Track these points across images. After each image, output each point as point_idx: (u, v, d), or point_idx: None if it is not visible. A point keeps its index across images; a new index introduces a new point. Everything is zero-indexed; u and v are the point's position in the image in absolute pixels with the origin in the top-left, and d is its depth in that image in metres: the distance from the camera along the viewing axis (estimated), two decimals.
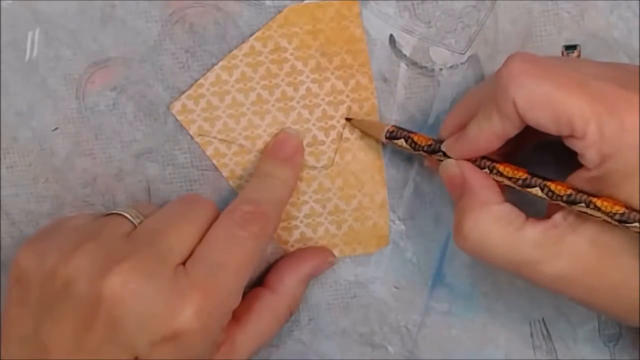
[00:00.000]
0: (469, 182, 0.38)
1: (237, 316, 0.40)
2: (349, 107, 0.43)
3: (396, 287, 0.44)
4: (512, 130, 0.36)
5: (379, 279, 0.44)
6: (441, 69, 0.43)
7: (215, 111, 0.43)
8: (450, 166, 0.39)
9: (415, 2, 0.43)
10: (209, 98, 0.43)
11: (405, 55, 0.43)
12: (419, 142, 0.40)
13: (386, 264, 0.44)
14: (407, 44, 0.43)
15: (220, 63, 0.43)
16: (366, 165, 0.43)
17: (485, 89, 0.39)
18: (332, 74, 0.43)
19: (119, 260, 0.36)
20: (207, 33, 0.43)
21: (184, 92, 0.43)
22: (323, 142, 0.43)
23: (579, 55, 0.41)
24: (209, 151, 0.43)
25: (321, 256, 0.43)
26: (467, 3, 0.43)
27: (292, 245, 0.44)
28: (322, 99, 0.43)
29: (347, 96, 0.43)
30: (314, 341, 0.44)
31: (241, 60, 0.43)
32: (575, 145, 0.35)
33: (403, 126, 0.42)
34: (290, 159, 0.42)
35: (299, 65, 0.43)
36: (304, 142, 0.43)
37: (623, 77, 0.35)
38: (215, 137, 0.43)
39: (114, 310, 0.35)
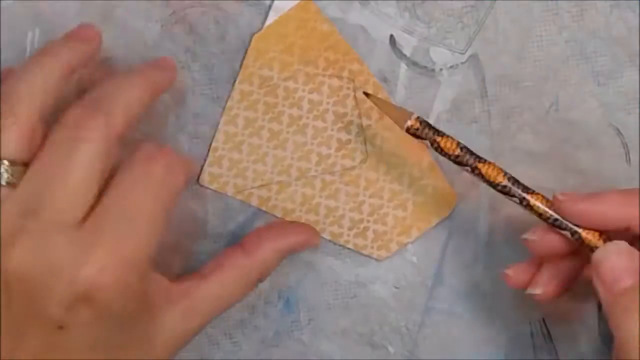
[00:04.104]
0: None
1: (204, 272, 0.39)
2: (355, 97, 0.43)
3: (396, 287, 0.44)
4: None
5: (379, 279, 0.44)
6: (441, 69, 0.43)
7: (240, 164, 0.43)
8: (622, 252, 0.35)
9: (415, 2, 0.43)
10: (228, 156, 0.43)
11: (405, 56, 0.43)
12: (446, 149, 0.39)
13: (386, 264, 0.44)
14: (407, 44, 0.43)
15: (222, 119, 0.43)
16: (398, 139, 0.43)
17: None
18: (323, 76, 0.43)
19: (10, 240, 0.34)
20: (207, 33, 0.43)
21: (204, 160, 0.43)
22: (349, 141, 0.43)
23: None
24: (254, 202, 0.43)
25: (307, 234, 0.42)
26: (467, 3, 0.43)
27: (372, 247, 0.43)
28: (328, 103, 0.43)
29: (348, 88, 0.43)
30: (314, 341, 0.44)
31: (238, 108, 0.43)
32: None
33: None
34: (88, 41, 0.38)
35: (291, 84, 0.43)
36: (332, 149, 0.43)
37: None
38: (253, 188, 0.43)
39: (20, 285, 0.34)
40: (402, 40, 0.43)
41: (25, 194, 0.34)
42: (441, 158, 0.43)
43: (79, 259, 0.34)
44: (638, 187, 0.41)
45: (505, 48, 0.43)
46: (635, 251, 0.36)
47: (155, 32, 0.43)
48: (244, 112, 0.43)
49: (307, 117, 0.43)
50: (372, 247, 0.43)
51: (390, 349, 0.44)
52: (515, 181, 0.38)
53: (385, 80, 0.43)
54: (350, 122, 0.43)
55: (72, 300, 0.34)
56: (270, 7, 0.43)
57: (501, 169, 0.38)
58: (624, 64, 0.43)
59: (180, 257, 0.44)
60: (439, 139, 0.39)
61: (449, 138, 0.39)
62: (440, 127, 0.43)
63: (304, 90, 0.43)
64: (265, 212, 0.43)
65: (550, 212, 0.38)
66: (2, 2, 0.42)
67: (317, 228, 0.43)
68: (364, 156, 0.43)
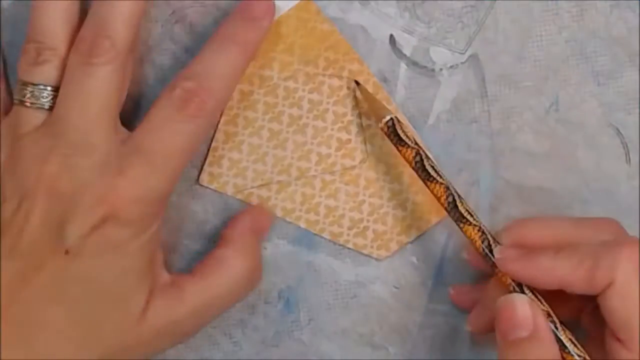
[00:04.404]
0: (541, 329, 0.36)
1: (192, 270, 0.41)
2: (355, 97, 0.43)
3: (396, 287, 0.44)
4: (580, 289, 0.36)
5: (379, 279, 0.44)
6: (441, 69, 0.43)
7: (240, 164, 0.43)
8: (523, 304, 0.37)
9: (415, 2, 0.43)
10: (228, 156, 0.43)
11: (405, 55, 0.43)
12: (406, 157, 0.40)
13: (386, 264, 0.44)
14: (407, 44, 0.43)
15: (222, 119, 0.43)
16: None
17: (576, 231, 0.39)
18: (323, 76, 0.43)
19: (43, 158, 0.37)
20: (207, 33, 0.43)
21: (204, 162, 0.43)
22: (349, 141, 0.43)
23: None
24: (254, 202, 0.43)
25: (257, 209, 0.43)
26: (467, 3, 0.43)
27: (372, 246, 0.43)
28: (328, 102, 0.43)
29: (348, 88, 0.43)
30: (314, 341, 0.44)
31: (238, 108, 0.43)
32: (614, 346, 0.36)
33: None
34: (259, 20, 0.40)
35: (291, 84, 0.43)
36: (332, 149, 0.43)
37: None
38: (252, 187, 0.43)
39: (49, 200, 0.36)
40: (402, 40, 0.43)
41: (57, 117, 0.37)
42: (442, 160, 0.43)
43: (105, 181, 0.36)
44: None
45: (505, 48, 0.43)
46: (536, 306, 0.37)
47: (155, 32, 0.43)
48: (244, 112, 0.43)
49: (307, 117, 0.43)
50: (371, 247, 0.43)
51: (390, 349, 0.44)
52: (455, 207, 0.40)
53: (385, 80, 0.43)
54: (350, 122, 0.43)
55: (91, 222, 0.36)
56: None
57: (446, 191, 0.40)
58: (624, 64, 0.43)
59: (180, 257, 0.44)
60: (400, 147, 0.40)
61: (409, 149, 0.40)
62: (440, 127, 0.43)
63: (304, 90, 0.43)
64: None
65: (478, 244, 0.39)
66: (2, 1, 0.42)
67: (317, 228, 0.43)
68: (364, 156, 0.43)
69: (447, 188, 0.40)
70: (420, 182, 0.43)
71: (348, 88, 0.43)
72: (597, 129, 0.43)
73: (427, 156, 0.40)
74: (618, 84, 0.43)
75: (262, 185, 0.43)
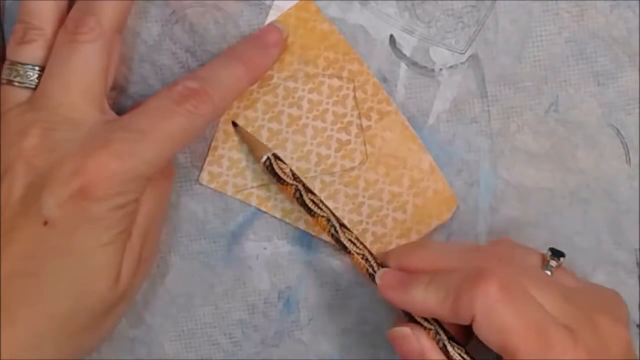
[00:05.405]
0: (429, 353, 0.38)
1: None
2: (355, 97, 0.43)
3: None
4: (451, 320, 0.37)
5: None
6: (441, 69, 0.43)
7: (239, 163, 0.43)
8: (406, 336, 0.38)
9: (415, 2, 0.43)
10: (228, 155, 0.43)
11: (405, 55, 0.43)
12: (287, 194, 0.41)
13: None
14: (407, 44, 0.43)
15: (222, 118, 0.43)
16: (398, 141, 0.43)
17: (458, 260, 0.39)
18: (323, 76, 0.43)
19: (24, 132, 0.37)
20: (207, 33, 0.43)
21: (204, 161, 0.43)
22: (349, 142, 0.43)
23: (559, 265, 0.40)
24: (253, 202, 0.43)
25: None
26: (467, 3, 0.43)
27: (371, 248, 0.43)
28: (327, 103, 0.43)
29: (347, 88, 0.43)
30: (314, 341, 0.44)
31: (238, 107, 0.43)
32: None
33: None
34: (270, 47, 0.42)
35: (291, 84, 0.43)
36: (332, 149, 0.43)
37: (584, 323, 0.36)
38: (252, 187, 0.43)
39: (26, 171, 0.37)
40: (402, 40, 0.43)
41: (41, 93, 0.38)
42: (442, 160, 0.43)
43: (84, 154, 0.36)
44: None
45: (505, 48, 0.43)
46: (419, 331, 0.38)
47: (155, 32, 0.43)
48: (242, 112, 0.43)
49: (307, 117, 0.43)
50: (370, 248, 0.43)
51: (391, 349, 0.44)
52: (337, 239, 0.40)
53: (385, 80, 0.43)
54: (350, 123, 0.43)
55: (68, 191, 0.36)
56: (270, 7, 0.43)
57: (328, 223, 0.41)
58: (624, 64, 0.43)
59: (180, 257, 0.44)
60: (279, 185, 0.41)
61: (289, 186, 0.41)
62: (440, 127, 0.43)
63: (303, 90, 0.43)
64: (264, 212, 0.43)
65: (364, 272, 0.40)
66: (5, 1, 0.42)
67: (316, 229, 0.43)
68: (364, 157, 0.43)
69: (329, 220, 0.40)
70: (421, 184, 0.43)
71: (348, 88, 0.43)
72: (597, 129, 0.43)
73: (307, 190, 0.41)
74: (618, 84, 0.43)
75: (261, 185, 0.43)
